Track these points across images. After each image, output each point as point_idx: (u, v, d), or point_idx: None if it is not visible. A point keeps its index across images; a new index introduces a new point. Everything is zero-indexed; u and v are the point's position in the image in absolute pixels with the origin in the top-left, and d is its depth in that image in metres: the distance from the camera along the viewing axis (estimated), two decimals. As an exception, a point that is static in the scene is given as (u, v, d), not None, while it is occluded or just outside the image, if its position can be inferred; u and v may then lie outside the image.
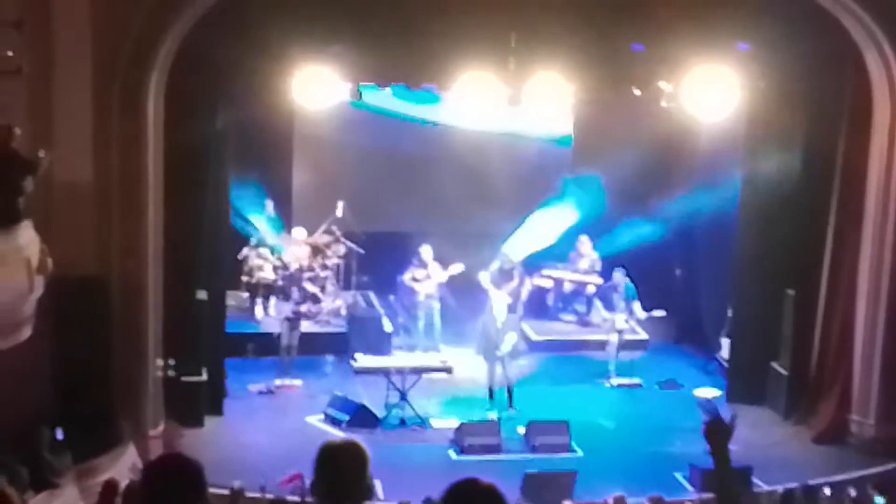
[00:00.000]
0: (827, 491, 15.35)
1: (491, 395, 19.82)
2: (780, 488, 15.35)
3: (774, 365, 19.87)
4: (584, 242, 23.88)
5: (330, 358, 21.50)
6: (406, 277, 22.45)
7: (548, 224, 23.81)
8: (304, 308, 21.54)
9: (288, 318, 21.10)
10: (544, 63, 18.74)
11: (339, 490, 5.76)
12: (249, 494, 14.75)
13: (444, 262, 22.20)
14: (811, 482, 15.64)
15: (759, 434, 18.68)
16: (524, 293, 22.64)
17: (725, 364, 21.29)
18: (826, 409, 19.00)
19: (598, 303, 22.47)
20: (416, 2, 17.57)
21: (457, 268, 22.17)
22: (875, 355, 18.34)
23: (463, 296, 22.40)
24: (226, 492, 14.30)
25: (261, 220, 23.12)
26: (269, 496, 15.12)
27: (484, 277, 20.96)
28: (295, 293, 21.65)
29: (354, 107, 21.14)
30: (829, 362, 19.15)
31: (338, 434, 18.14)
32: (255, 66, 17.98)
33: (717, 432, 6.35)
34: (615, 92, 20.05)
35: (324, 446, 5.88)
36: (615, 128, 23.08)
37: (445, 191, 24.01)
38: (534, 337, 22.81)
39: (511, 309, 21.11)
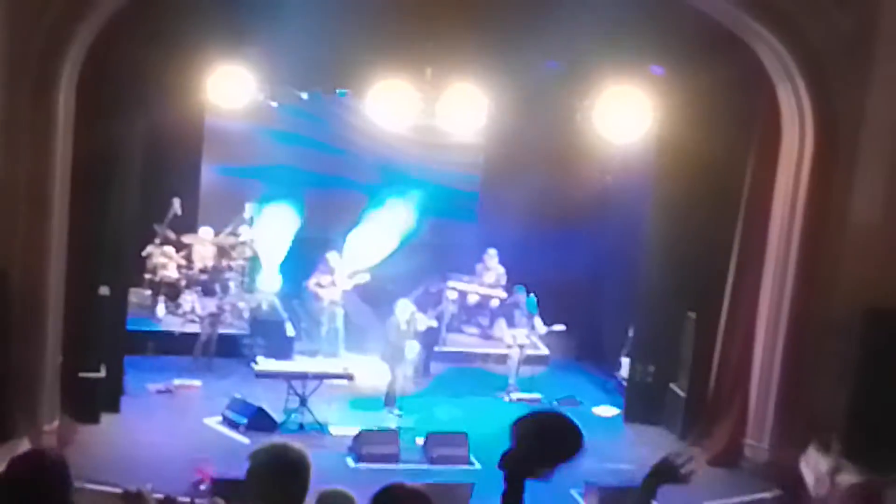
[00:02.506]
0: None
1: (391, 403, 19.86)
2: (673, 509, 15.46)
3: (673, 386, 20.04)
4: (492, 256, 23.97)
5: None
6: (311, 283, 22.42)
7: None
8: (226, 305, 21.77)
9: (212, 314, 21.23)
10: (460, 75, 18.82)
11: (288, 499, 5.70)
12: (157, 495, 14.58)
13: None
14: (705, 503, 15.80)
15: (655, 453, 18.57)
16: (447, 314, 22.79)
17: (624, 383, 21.45)
18: (722, 431, 19.18)
19: (502, 321, 22.56)
20: (334, 7, 17.54)
21: (362, 277, 22.18)
22: (772, 380, 18.55)
23: (368, 304, 22.40)
24: (118, 490, 14.15)
25: (167, 218, 22.97)
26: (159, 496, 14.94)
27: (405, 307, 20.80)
28: (218, 288, 21.76)
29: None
30: (727, 385, 19.35)
31: (236, 437, 18.07)
32: (169, 64, 17.82)
33: (664, 473, 6.31)
34: (529, 108, 20.17)
35: (262, 453, 5.81)
36: (528, 144, 23.17)
37: (356, 198, 24.06)
38: (435, 348, 22.89)
39: (436, 331, 21.43)
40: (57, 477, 5.38)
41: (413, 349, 20.35)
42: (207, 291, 22.04)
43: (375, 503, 5.61)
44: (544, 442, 5.64)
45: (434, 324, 21.57)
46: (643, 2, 17.70)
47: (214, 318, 21.47)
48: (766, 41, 17.70)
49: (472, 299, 24.24)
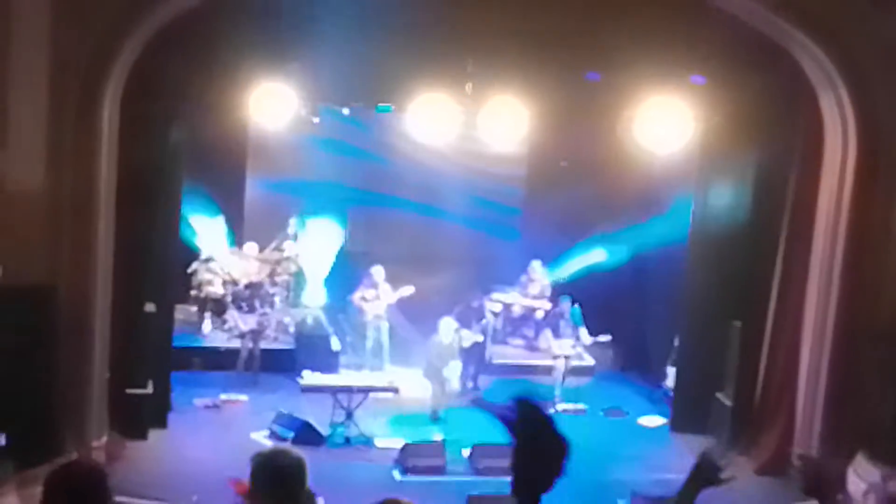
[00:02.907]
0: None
1: (434, 417, 19.90)
2: (720, 518, 15.39)
3: (719, 395, 19.98)
4: (536, 268, 23.97)
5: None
6: (356, 297, 22.48)
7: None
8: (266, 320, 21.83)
9: (252, 330, 21.30)
10: (501, 88, 18.85)
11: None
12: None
13: (394, 283, 22.30)
14: (752, 513, 15.76)
15: (701, 464, 18.78)
16: (491, 328, 22.73)
17: (671, 393, 21.40)
18: (769, 440, 19.10)
19: (547, 332, 22.51)
20: (374, 23, 17.62)
21: (407, 290, 22.25)
22: (819, 388, 18.45)
23: (412, 317, 22.45)
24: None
25: (212, 235, 23.10)
26: None
27: (448, 325, 20.79)
28: (257, 304, 21.85)
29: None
30: (773, 394, 19.28)
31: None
32: (211, 81, 17.96)
33: (704, 474, 6.21)
34: (570, 120, 20.18)
35: (260, 457, 5.82)
36: (569, 156, 23.18)
37: (398, 211, 24.13)
38: (483, 362, 22.89)
39: (482, 346, 21.40)
40: (94, 487, 5.39)
41: (455, 369, 20.40)
42: (252, 307, 22.15)
43: None
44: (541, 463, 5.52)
45: (480, 338, 21.61)
46: (682, 11, 17.67)
47: (255, 334, 21.58)
48: (806, 49, 17.64)
49: (517, 311, 24.24)
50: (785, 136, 18.75)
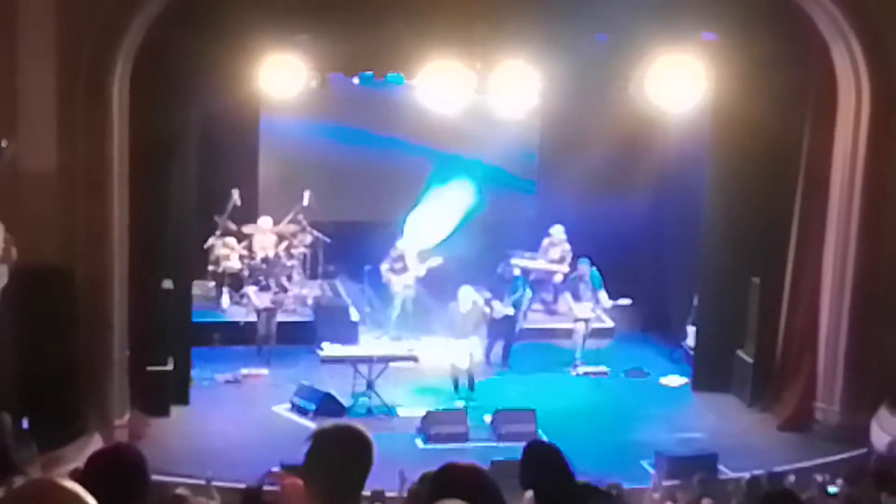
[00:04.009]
0: (792, 478, 15.41)
1: (455, 386, 19.85)
2: (745, 475, 15.39)
3: (740, 353, 19.95)
4: (558, 232, 23.79)
5: None
6: (383, 269, 22.37)
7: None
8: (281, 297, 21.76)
9: (267, 308, 21.26)
10: (510, 52, 18.76)
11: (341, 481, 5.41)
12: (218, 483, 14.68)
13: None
14: (777, 469, 15.71)
15: (724, 421, 18.83)
16: (525, 301, 22.45)
17: (691, 352, 21.36)
18: (791, 396, 19.09)
19: (567, 296, 22.37)
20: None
21: (435, 261, 22.18)
22: (839, 343, 18.43)
23: (433, 285, 22.42)
24: (192, 481, 14.27)
25: (227, 210, 23.04)
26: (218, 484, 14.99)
27: (472, 296, 20.50)
28: (272, 283, 21.80)
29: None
30: (794, 350, 19.25)
31: (305, 423, 18.13)
32: (221, 55, 17.91)
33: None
34: (581, 81, 20.07)
35: (349, 435, 5.51)
36: (582, 118, 23.03)
37: (413, 180, 24.04)
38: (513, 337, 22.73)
39: (513, 319, 21.23)
40: (134, 471, 5.41)
41: (476, 341, 20.18)
42: (269, 282, 22.13)
43: (435, 485, 5.36)
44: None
45: (510, 311, 21.35)
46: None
47: (270, 312, 21.47)
48: (818, 2, 17.53)
49: (535, 276, 24.08)
50: (798, 90, 18.65)
